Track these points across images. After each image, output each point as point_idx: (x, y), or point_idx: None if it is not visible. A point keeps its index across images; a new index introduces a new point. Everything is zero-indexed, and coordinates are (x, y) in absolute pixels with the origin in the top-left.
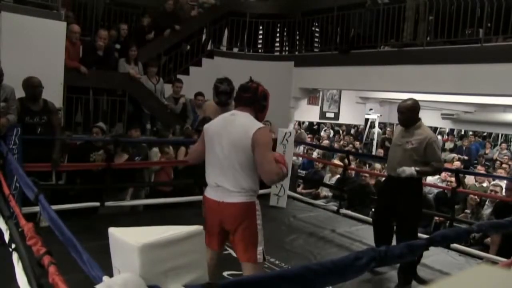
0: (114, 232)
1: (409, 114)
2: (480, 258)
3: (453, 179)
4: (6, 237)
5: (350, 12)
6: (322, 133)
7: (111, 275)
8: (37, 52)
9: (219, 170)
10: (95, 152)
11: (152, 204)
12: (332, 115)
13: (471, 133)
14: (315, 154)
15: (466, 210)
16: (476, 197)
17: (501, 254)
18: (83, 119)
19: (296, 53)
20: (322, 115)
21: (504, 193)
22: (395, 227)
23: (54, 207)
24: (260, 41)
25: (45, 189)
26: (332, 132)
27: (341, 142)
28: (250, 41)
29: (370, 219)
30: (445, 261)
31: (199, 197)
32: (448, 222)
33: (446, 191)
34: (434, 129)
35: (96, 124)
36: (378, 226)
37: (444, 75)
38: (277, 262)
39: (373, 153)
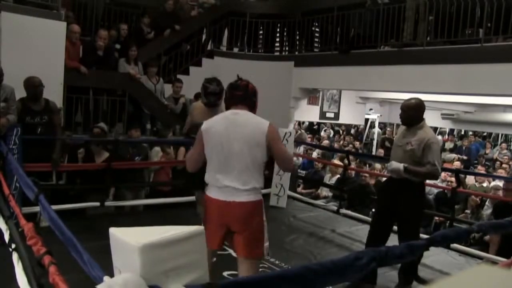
0: (115, 232)
1: (410, 113)
2: (480, 258)
3: (453, 179)
4: (6, 237)
5: (350, 12)
6: (322, 133)
7: (111, 275)
8: (37, 52)
9: (226, 170)
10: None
11: (152, 204)
12: (332, 115)
13: (471, 133)
14: (315, 154)
15: (466, 210)
16: (477, 198)
17: (501, 254)
18: (83, 119)
19: (296, 53)
20: (322, 115)
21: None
22: (396, 229)
23: (54, 207)
24: (260, 41)
25: (45, 189)
26: (332, 132)
27: (341, 142)
28: (250, 41)
29: (370, 219)
30: (445, 261)
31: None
32: (448, 222)
33: (446, 191)
34: (434, 129)
35: (96, 124)
36: (377, 227)
37: (444, 75)
38: (277, 262)
39: (373, 153)
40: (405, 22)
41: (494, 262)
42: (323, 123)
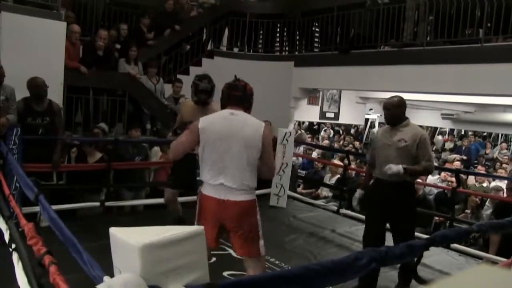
0: (115, 232)
1: (395, 110)
2: (480, 258)
3: (453, 179)
4: (6, 237)
5: (350, 12)
6: (322, 133)
7: (111, 275)
8: (37, 52)
9: (223, 168)
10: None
11: (152, 204)
12: (332, 115)
13: (471, 133)
14: (315, 154)
15: (466, 210)
16: (477, 199)
17: (501, 254)
18: (83, 119)
19: (296, 53)
20: (322, 115)
21: (505, 194)
22: (391, 233)
23: (54, 207)
24: (260, 41)
25: (45, 189)
26: (332, 132)
27: (341, 142)
28: (250, 41)
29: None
30: (445, 261)
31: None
32: (448, 222)
33: (446, 191)
34: (434, 129)
35: (97, 124)
36: (372, 231)
37: (444, 75)
38: (277, 262)
39: None
40: (405, 22)
41: (494, 262)
42: (323, 123)
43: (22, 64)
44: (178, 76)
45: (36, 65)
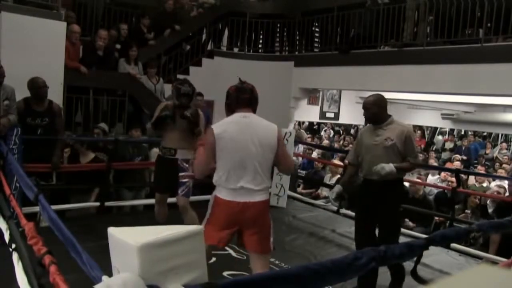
0: (114, 232)
1: (374, 109)
2: (480, 258)
3: (453, 179)
4: (7, 237)
5: (350, 12)
6: (322, 133)
7: (110, 275)
8: (37, 52)
9: (241, 171)
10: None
11: (152, 204)
12: (332, 115)
13: (471, 133)
14: (315, 154)
15: (466, 210)
16: (477, 199)
17: (501, 254)
18: (83, 119)
19: (296, 53)
20: (322, 115)
21: (508, 193)
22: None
23: (54, 207)
24: (260, 41)
25: (45, 189)
26: (332, 132)
27: (341, 142)
28: (250, 41)
29: None
30: (445, 261)
31: (199, 197)
32: (448, 222)
33: (446, 191)
34: (434, 129)
35: (97, 124)
36: (361, 235)
37: (444, 75)
38: (277, 262)
39: None
40: (405, 22)
41: (494, 262)
42: (323, 123)
43: (22, 64)
44: (178, 76)
45: (36, 65)
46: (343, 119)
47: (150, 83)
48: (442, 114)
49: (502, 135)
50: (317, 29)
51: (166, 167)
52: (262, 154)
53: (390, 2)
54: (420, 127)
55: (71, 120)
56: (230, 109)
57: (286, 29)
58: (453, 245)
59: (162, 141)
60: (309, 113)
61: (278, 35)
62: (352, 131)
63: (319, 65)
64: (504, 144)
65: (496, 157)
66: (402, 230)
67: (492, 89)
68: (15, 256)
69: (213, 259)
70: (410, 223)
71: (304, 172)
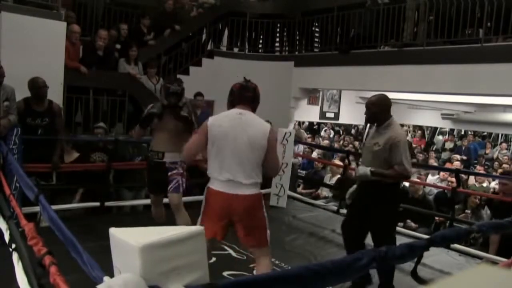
0: (115, 233)
1: (374, 110)
2: (480, 258)
3: (453, 179)
4: (7, 237)
5: (350, 12)
6: (322, 133)
7: (111, 275)
8: (37, 52)
9: (230, 165)
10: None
11: None
12: (332, 115)
13: (471, 133)
14: (315, 154)
15: (466, 210)
16: (477, 199)
17: (501, 254)
18: (83, 119)
19: (296, 53)
20: (322, 115)
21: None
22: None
23: (54, 207)
24: (260, 41)
25: (45, 189)
26: (332, 132)
27: (341, 142)
28: (250, 41)
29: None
30: (445, 261)
31: (199, 197)
32: (448, 222)
33: (446, 191)
34: (434, 129)
35: (97, 124)
36: (348, 235)
37: (444, 75)
38: (277, 262)
39: None
40: (405, 22)
41: (494, 262)
42: (323, 123)
43: (22, 64)
44: (178, 76)
45: (36, 65)
46: (343, 119)
47: (150, 83)
48: (442, 114)
49: (502, 135)
50: (317, 29)
51: (154, 171)
52: (251, 151)
53: (390, 2)
54: (420, 127)
55: (71, 120)
56: (232, 106)
57: (286, 29)
58: (453, 245)
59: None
60: (309, 113)
61: (278, 35)
62: (352, 131)
63: (319, 65)
64: (504, 145)
65: (497, 157)
66: (404, 231)
67: (492, 89)
68: (15, 256)
69: (213, 259)
70: (412, 224)
71: (304, 172)
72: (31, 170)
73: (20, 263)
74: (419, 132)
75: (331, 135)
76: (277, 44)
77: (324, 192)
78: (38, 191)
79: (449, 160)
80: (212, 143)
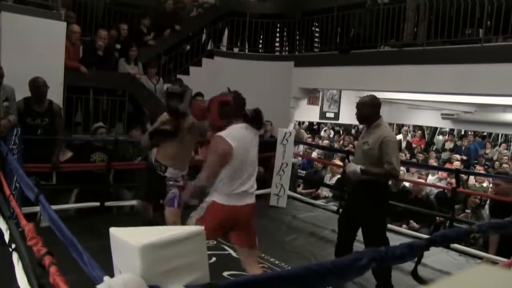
0: (115, 233)
1: (365, 110)
2: (480, 258)
3: (453, 180)
4: (6, 237)
5: (350, 12)
6: (322, 133)
7: (112, 275)
8: (37, 52)
9: (248, 176)
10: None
11: None
12: (332, 115)
13: (471, 133)
14: (315, 154)
15: (466, 210)
16: (477, 199)
17: (501, 254)
18: (83, 119)
19: (296, 53)
20: (322, 115)
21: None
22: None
23: (54, 207)
24: (260, 41)
25: (45, 189)
26: (332, 132)
27: (341, 142)
28: (250, 41)
29: None
30: (445, 261)
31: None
32: (448, 222)
33: (446, 191)
34: (434, 129)
35: (98, 125)
36: (340, 232)
37: (444, 75)
38: (277, 262)
39: None
40: (405, 22)
41: (494, 262)
42: (323, 123)
43: (22, 64)
44: (178, 76)
45: (36, 65)
46: (343, 119)
47: (150, 83)
48: (442, 114)
49: (502, 135)
50: (317, 29)
51: (154, 180)
52: (257, 159)
53: (390, 2)
54: (420, 127)
55: (71, 120)
56: (227, 117)
57: (286, 29)
58: (453, 245)
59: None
60: (309, 113)
61: (278, 35)
62: (352, 131)
63: (319, 65)
64: (503, 145)
65: (498, 157)
66: (406, 231)
67: (492, 89)
68: (15, 256)
69: (213, 259)
70: (415, 224)
71: (304, 172)
72: (31, 170)
73: (20, 263)
74: (419, 132)
75: (331, 135)
76: (277, 44)
77: (324, 192)
78: (38, 191)
79: (449, 160)
80: (232, 160)
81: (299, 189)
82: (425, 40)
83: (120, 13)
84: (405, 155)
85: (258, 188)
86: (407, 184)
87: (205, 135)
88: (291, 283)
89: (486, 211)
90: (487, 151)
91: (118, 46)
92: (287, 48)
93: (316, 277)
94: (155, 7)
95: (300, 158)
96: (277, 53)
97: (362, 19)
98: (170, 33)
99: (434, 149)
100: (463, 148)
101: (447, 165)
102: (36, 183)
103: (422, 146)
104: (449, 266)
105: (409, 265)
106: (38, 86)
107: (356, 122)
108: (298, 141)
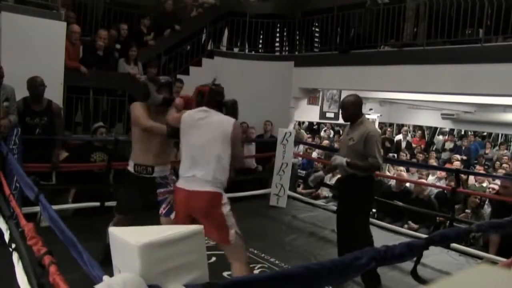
0: (114, 232)
1: (352, 109)
2: (480, 258)
3: (452, 183)
4: (6, 237)
5: (350, 12)
6: (322, 133)
7: (111, 274)
8: (37, 52)
9: (195, 161)
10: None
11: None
12: (332, 115)
13: (471, 133)
14: (315, 154)
15: (466, 210)
16: (477, 199)
17: (501, 254)
18: (83, 119)
19: (296, 53)
20: (322, 115)
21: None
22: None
23: (55, 207)
24: (260, 41)
25: (45, 189)
26: (332, 132)
27: None
28: (250, 41)
29: (370, 219)
30: (445, 261)
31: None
32: (448, 222)
33: (446, 191)
34: (434, 129)
35: (98, 125)
36: (337, 223)
37: (444, 75)
38: (277, 262)
39: None
40: (405, 22)
41: (494, 262)
42: (323, 123)
43: (22, 64)
44: (178, 76)
45: (36, 65)
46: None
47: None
48: (442, 114)
49: (502, 135)
50: (317, 29)
51: (139, 186)
52: (215, 147)
53: (390, 2)
54: (420, 127)
55: (71, 120)
56: (200, 105)
57: (286, 29)
58: (453, 245)
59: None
60: (309, 113)
61: (278, 35)
62: None
63: (319, 65)
64: (502, 147)
65: (497, 157)
66: (406, 231)
67: (492, 89)
68: (15, 256)
69: (213, 258)
70: (414, 225)
71: (304, 172)
72: (30, 170)
73: (20, 263)
74: (419, 132)
75: (331, 135)
76: (277, 44)
77: (324, 192)
78: (38, 191)
79: (449, 160)
80: (182, 138)
81: (299, 189)
82: (425, 40)
83: (120, 13)
84: (406, 155)
85: (258, 188)
86: (407, 184)
87: None
88: (291, 282)
89: (486, 211)
90: (487, 151)
91: (118, 46)
92: (287, 48)
93: (316, 277)
94: (155, 7)
95: (300, 158)
96: (277, 53)
97: (362, 19)
98: (170, 33)
99: (434, 149)
100: (463, 148)
101: (447, 165)
102: (36, 183)
103: (422, 146)
104: (449, 266)
105: (409, 266)
106: (35, 86)
107: None
108: (298, 141)
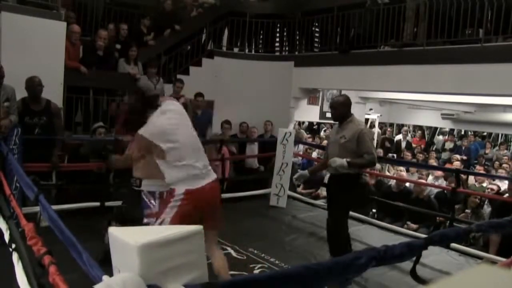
0: (114, 232)
1: (341, 109)
2: (480, 258)
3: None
4: (7, 237)
5: (350, 12)
6: (322, 133)
7: (111, 274)
8: (37, 52)
9: (195, 154)
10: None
11: None
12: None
13: (471, 133)
14: (314, 154)
15: (466, 210)
16: (477, 199)
17: (501, 254)
18: (83, 119)
19: (296, 53)
20: (322, 115)
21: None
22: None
23: (54, 207)
24: (260, 41)
25: (45, 189)
26: None
27: None
28: (250, 41)
29: (370, 219)
30: (445, 261)
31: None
32: (448, 222)
33: (446, 191)
34: (434, 129)
35: (97, 125)
36: (328, 222)
37: (444, 75)
38: (277, 262)
39: None
40: (405, 22)
41: (494, 262)
42: (323, 123)
43: (22, 64)
44: (178, 76)
45: (36, 65)
46: None
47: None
48: (442, 114)
49: (502, 135)
50: (317, 29)
51: (134, 198)
52: (196, 137)
53: (390, 2)
54: (420, 127)
55: (71, 120)
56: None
57: (286, 29)
58: (453, 245)
59: None
60: (309, 113)
61: (278, 35)
62: None
63: (319, 65)
64: (503, 146)
65: (497, 157)
66: (406, 231)
67: (492, 89)
68: (15, 256)
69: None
70: (413, 225)
71: None
72: (30, 170)
73: (20, 263)
74: (419, 132)
75: None
76: (277, 44)
77: (324, 192)
78: (38, 191)
79: (449, 160)
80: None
81: (299, 189)
82: (425, 40)
83: (120, 13)
84: (410, 155)
85: (258, 188)
86: (407, 184)
87: None
88: (290, 282)
89: (486, 211)
90: (487, 151)
91: (118, 46)
92: (287, 48)
93: (316, 277)
94: (155, 7)
95: (300, 158)
96: (277, 53)
97: (362, 19)
98: (170, 33)
99: (434, 149)
100: (463, 148)
101: (447, 165)
102: (35, 183)
103: (422, 146)
104: (449, 266)
105: (409, 265)
106: (33, 85)
107: None
108: (298, 141)
